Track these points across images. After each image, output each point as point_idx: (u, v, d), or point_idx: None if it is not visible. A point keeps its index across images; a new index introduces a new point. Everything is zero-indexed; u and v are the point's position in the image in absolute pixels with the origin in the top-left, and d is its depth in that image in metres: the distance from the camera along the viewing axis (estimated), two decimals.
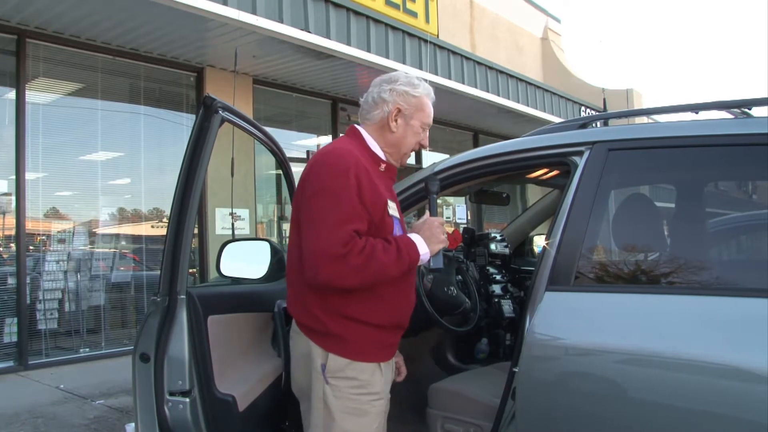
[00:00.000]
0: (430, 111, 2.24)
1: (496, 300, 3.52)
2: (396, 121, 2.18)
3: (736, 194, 2.67)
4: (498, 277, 3.68)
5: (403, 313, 2.17)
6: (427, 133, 2.24)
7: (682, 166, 2.28)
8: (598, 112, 12.55)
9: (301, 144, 9.47)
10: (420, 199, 2.65)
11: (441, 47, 9.41)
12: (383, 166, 2.19)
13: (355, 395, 2.04)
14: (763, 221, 2.34)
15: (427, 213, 2.23)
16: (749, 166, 2.18)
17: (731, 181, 2.58)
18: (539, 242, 4.25)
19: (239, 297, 2.65)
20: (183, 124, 7.79)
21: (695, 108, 2.27)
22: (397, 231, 2.12)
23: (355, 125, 2.24)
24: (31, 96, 6.52)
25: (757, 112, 2.18)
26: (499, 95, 10.36)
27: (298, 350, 2.18)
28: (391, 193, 2.21)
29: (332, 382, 2.05)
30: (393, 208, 2.13)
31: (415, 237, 2.08)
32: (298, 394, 2.24)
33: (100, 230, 7.30)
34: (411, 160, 10.54)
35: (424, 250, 2.06)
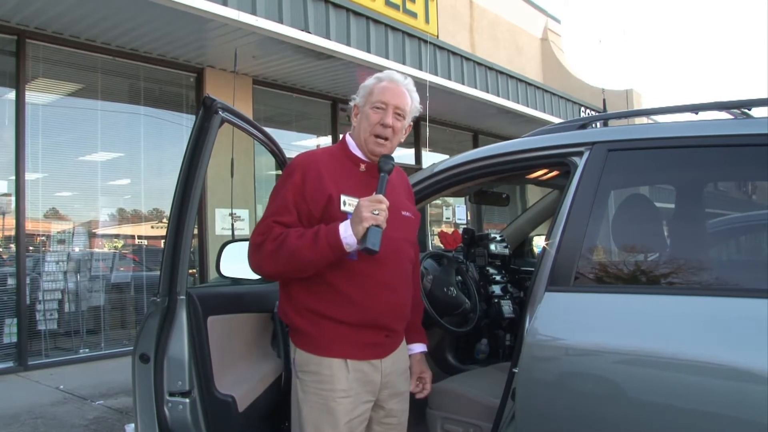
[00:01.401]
0: (381, 90, 2.22)
1: (496, 300, 3.52)
2: (356, 117, 2.29)
3: (736, 195, 2.67)
4: (498, 278, 3.67)
5: (375, 313, 2.11)
6: (389, 111, 2.19)
7: (681, 167, 2.28)
8: (598, 112, 12.55)
9: (300, 144, 9.46)
10: (424, 197, 2.66)
11: (441, 48, 9.41)
12: (363, 166, 2.24)
13: (318, 390, 2.08)
14: (763, 222, 2.33)
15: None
16: (749, 167, 2.17)
17: (731, 181, 2.58)
18: (539, 243, 4.25)
19: (239, 297, 2.65)
20: (183, 124, 7.79)
21: (695, 108, 2.27)
22: None
23: (347, 133, 2.33)
24: (31, 96, 6.52)
25: (756, 112, 2.18)
26: (498, 96, 10.36)
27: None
28: (362, 191, 2.12)
29: (300, 376, 2.12)
30: (353, 205, 2.07)
31: (343, 222, 2.01)
32: None
33: (100, 231, 7.31)
34: (410, 159, 10.55)
35: (346, 233, 1.97)
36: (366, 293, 2.09)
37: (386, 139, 2.20)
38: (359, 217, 1.96)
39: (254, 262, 2.11)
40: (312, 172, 2.12)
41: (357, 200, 2.06)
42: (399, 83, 2.25)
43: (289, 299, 2.16)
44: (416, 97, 2.29)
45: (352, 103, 2.33)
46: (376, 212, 1.97)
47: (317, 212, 2.08)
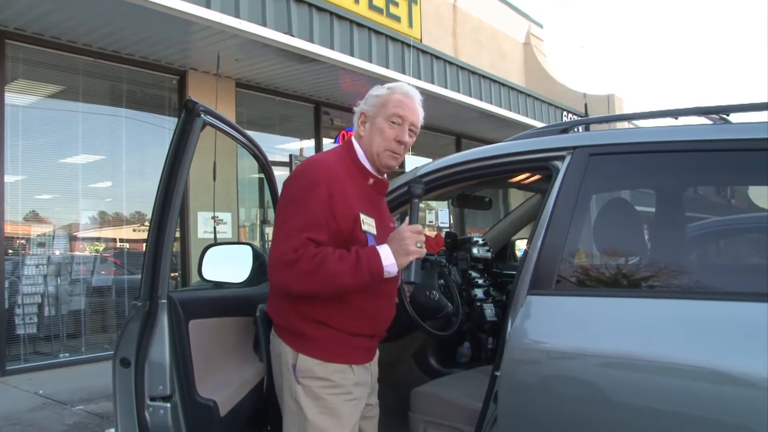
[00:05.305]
0: (396, 104, 2.15)
1: (478, 304, 3.53)
2: (364, 125, 2.20)
3: (715, 199, 2.70)
4: (480, 281, 3.69)
5: (381, 325, 2.19)
6: (405, 127, 2.16)
7: (661, 171, 2.30)
8: (580, 117, 12.65)
9: (283, 148, 9.44)
10: (402, 203, 2.65)
11: (424, 52, 9.44)
12: (371, 180, 2.19)
13: (326, 395, 2.05)
14: (742, 225, 2.36)
15: (406, 221, 2.17)
16: (727, 171, 2.21)
17: (710, 185, 2.61)
18: (521, 246, 4.27)
19: (221, 301, 2.63)
20: (165, 127, 7.74)
21: (675, 113, 2.30)
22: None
23: (353, 138, 2.24)
24: (11, 98, 6.44)
25: (734, 118, 2.21)
26: (481, 100, 10.41)
27: (274, 351, 2.21)
28: (373, 208, 2.15)
29: (303, 382, 2.07)
30: (369, 224, 2.07)
31: (382, 248, 1.99)
32: (278, 394, 2.24)
33: (81, 234, 7.24)
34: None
35: (388, 262, 1.96)
36: (377, 306, 2.13)
37: (399, 153, 2.19)
38: (405, 250, 1.97)
39: (281, 279, 1.96)
40: (337, 187, 2.01)
41: (373, 220, 2.08)
42: (413, 98, 2.21)
43: (294, 308, 2.06)
44: (422, 111, 2.25)
45: (357, 110, 2.23)
46: (419, 245, 1.98)
47: (346, 231, 2.00)
